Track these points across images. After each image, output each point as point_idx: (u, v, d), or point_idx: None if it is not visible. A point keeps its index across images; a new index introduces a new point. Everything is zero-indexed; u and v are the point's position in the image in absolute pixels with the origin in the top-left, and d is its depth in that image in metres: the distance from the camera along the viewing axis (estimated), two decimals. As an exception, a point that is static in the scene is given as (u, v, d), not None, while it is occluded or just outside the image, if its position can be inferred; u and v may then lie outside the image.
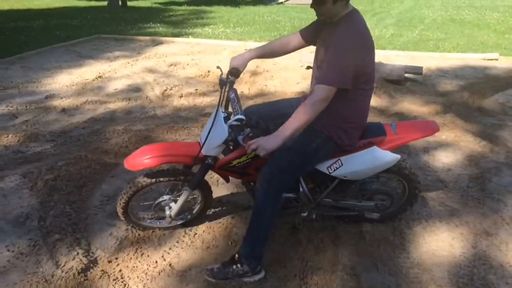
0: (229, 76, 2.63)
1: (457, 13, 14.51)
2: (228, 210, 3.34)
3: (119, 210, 2.87)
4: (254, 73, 6.74)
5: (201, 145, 2.58)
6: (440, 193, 3.57)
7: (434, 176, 3.83)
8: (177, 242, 3.00)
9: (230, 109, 2.68)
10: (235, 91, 2.69)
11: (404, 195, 3.01)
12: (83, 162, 3.98)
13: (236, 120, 2.47)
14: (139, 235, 3.07)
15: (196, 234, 3.08)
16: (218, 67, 2.78)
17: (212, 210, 3.30)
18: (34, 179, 3.67)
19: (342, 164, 2.59)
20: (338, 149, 2.54)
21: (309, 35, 2.64)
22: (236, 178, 2.83)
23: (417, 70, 6.55)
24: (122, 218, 2.95)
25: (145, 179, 2.75)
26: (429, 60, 7.89)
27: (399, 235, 3.05)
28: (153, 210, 2.95)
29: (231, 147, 2.66)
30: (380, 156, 2.58)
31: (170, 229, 3.11)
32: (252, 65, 6.97)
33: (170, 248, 2.94)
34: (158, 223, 3.10)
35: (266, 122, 2.55)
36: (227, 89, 2.62)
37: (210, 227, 3.15)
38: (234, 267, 2.63)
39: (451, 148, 4.36)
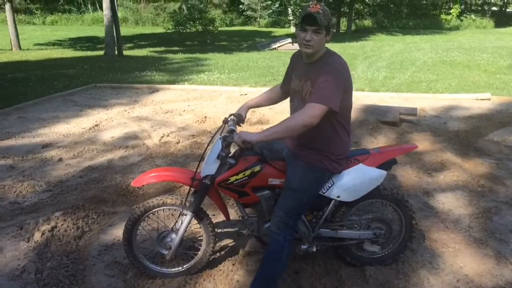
0: (231, 117, 2.94)
1: (447, 55, 14.88)
2: (229, 257, 3.28)
3: (124, 236, 2.92)
4: (253, 121, 6.80)
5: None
6: (442, 234, 3.53)
7: (435, 217, 3.81)
8: (177, 292, 2.93)
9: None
10: (233, 121, 2.93)
11: (402, 227, 3.03)
12: (80, 211, 3.93)
13: (228, 132, 2.73)
14: (137, 285, 2.99)
15: (196, 283, 3.02)
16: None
17: (213, 256, 3.24)
18: (31, 230, 3.61)
19: (333, 183, 2.77)
20: (332, 174, 2.76)
21: (287, 88, 2.92)
22: (234, 198, 2.88)
23: (412, 112, 6.64)
24: (126, 248, 2.95)
25: (151, 202, 2.87)
26: (422, 101, 8.02)
27: (403, 278, 2.99)
28: (156, 243, 2.97)
29: (227, 167, 2.78)
30: (367, 172, 2.78)
31: (171, 277, 3.04)
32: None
33: (170, 299, 2.86)
34: (158, 268, 3.06)
35: (261, 149, 2.83)
36: (229, 124, 2.89)
37: (210, 275, 3.08)
38: None
39: (450, 189, 4.36)
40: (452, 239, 3.47)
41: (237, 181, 2.76)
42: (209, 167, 2.76)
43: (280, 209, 2.67)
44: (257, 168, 2.76)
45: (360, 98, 8.23)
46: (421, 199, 4.17)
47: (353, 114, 6.44)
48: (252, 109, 3.52)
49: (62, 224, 3.71)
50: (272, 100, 3.12)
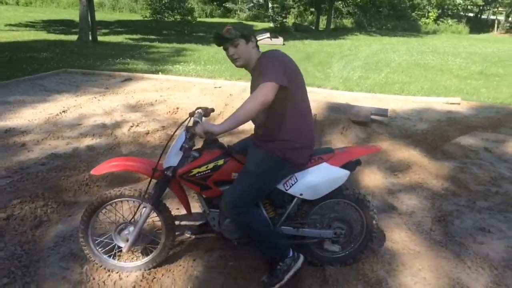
0: (198, 110, 2.98)
1: (421, 58, 15.09)
2: (190, 252, 3.22)
3: (80, 228, 2.85)
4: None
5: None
6: (403, 236, 3.56)
7: (398, 218, 3.83)
8: (134, 287, 2.86)
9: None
10: (199, 114, 2.95)
11: (363, 227, 3.03)
12: (39, 200, 3.81)
13: (193, 123, 2.74)
14: (93, 279, 2.92)
15: (154, 278, 2.96)
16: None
17: (173, 251, 3.18)
18: (-15, 218, 3.48)
19: (296, 180, 2.76)
20: (294, 168, 2.75)
21: None
22: (195, 190, 2.83)
23: (383, 112, 6.69)
24: (82, 240, 2.86)
25: (108, 194, 2.80)
26: (395, 103, 8.09)
27: (362, 279, 3.00)
28: (114, 236, 2.89)
29: (190, 159, 2.75)
30: (331, 171, 2.78)
31: (128, 271, 2.97)
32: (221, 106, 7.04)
33: (126, 294, 2.79)
34: (115, 261, 2.99)
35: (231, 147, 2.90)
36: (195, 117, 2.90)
37: (169, 270, 3.03)
38: (279, 267, 2.80)
39: (415, 191, 4.40)
40: (413, 241, 3.49)
41: (199, 174, 2.71)
42: (171, 158, 2.72)
43: (229, 194, 2.63)
44: (220, 162, 2.72)
45: (334, 97, 8.27)
46: (385, 199, 4.20)
47: (325, 112, 6.51)
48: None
49: (19, 213, 3.59)
50: None
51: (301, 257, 2.86)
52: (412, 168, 4.95)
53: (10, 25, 19.33)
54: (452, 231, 3.65)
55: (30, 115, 6.31)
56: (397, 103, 8.10)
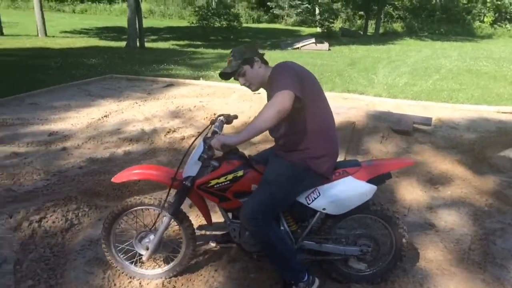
0: (220, 118, 2.98)
1: (474, 64, 14.44)
2: (212, 262, 3.17)
3: (102, 234, 2.87)
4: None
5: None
6: (439, 254, 3.35)
7: (434, 236, 3.62)
8: (154, 295, 2.85)
9: None
10: (221, 122, 2.92)
11: (392, 245, 2.86)
12: (72, 203, 3.90)
13: (211, 133, 2.66)
14: (115, 285, 2.93)
15: (174, 287, 2.92)
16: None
17: (195, 260, 3.15)
18: (19, 220, 3.58)
19: (319, 194, 2.65)
20: (317, 178, 2.63)
21: None
22: (214, 202, 2.76)
23: (426, 121, 6.41)
24: (104, 246, 2.88)
25: (129, 202, 2.80)
26: (441, 111, 7.74)
27: (390, 299, 2.84)
28: (135, 243, 2.89)
29: (210, 169, 2.68)
30: (356, 185, 2.64)
31: (149, 278, 2.96)
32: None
33: (144, 302, 2.78)
34: (137, 268, 2.99)
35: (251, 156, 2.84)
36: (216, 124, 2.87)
37: (190, 280, 3.00)
38: None
39: (456, 206, 4.15)
40: (449, 260, 3.28)
41: (218, 185, 2.64)
42: (190, 168, 2.68)
43: (248, 204, 2.55)
44: (240, 173, 2.64)
45: (376, 104, 8.03)
46: (423, 214, 3.99)
47: (365, 120, 6.32)
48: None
49: (51, 216, 3.68)
50: None
51: (317, 282, 2.75)
52: (454, 181, 4.69)
53: (65, 32, 20.25)
54: (493, 252, 3.39)
55: (73, 120, 6.52)
56: (443, 111, 7.75)
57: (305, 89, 2.44)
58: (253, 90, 2.68)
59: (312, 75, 2.62)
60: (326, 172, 2.64)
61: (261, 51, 2.70)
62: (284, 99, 2.30)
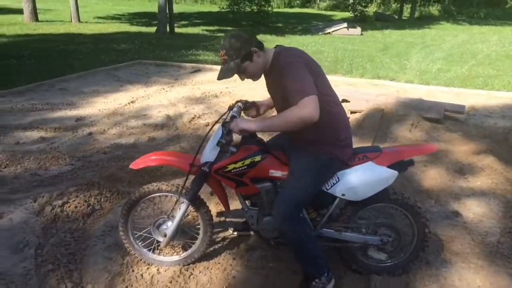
0: (238, 103, 2.87)
1: (513, 49, 13.84)
2: (230, 250, 3.14)
3: (120, 222, 2.87)
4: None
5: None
6: (466, 247, 3.21)
7: (461, 227, 3.48)
8: (170, 282, 2.84)
9: None
10: (239, 108, 2.82)
11: (413, 235, 2.77)
12: (94, 189, 3.93)
13: (230, 118, 2.58)
14: (132, 271, 2.94)
15: (191, 274, 2.92)
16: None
17: (213, 248, 3.13)
18: (43, 204, 3.64)
19: (338, 180, 2.58)
20: (340, 165, 2.58)
21: None
22: (231, 187, 2.71)
23: (458, 109, 6.17)
24: (122, 233, 2.89)
25: (146, 188, 2.80)
26: (475, 98, 7.45)
27: (411, 293, 2.74)
28: (152, 230, 2.88)
29: (228, 155, 2.63)
30: (376, 171, 2.56)
31: (167, 265, 2.96)
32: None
33: (161, 289, 2.77)
34: (155, 255, 2.99)
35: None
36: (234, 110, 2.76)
37: (207, 268, 2.97)
38: (314, 283, 2.63)
39: (486, 197, 3.98)
40: (476, 254, 3.14)
41: (235, 170, 2.59)
42: (208, 153, 2.64)
43: (281, 201, 2.50)
44: (257, 158, 2.58)
45: (407, 91, 7.80)
46: (450, 205, 3.84)
47: (394, 107, 6.13)
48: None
49: (73, 200, 3.72)
50: None
51: (333, 281, 2.68)
52: (485, 171, 4.49)
53: (99, 17, 20.52)
54: (524, 246, 3.24)
55: (101, 105, 6.59)
56: (477, 98, 7.45)
57: (316, 77, 2.35)
58: (255, 80, 2.57)
59: (315, 61, 2.50)
60: (350, 159, 2.59)
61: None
62: (309, 106, 2.19)
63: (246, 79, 2.57)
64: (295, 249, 2.62)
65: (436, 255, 3.11)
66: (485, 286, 2.82)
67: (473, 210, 3.76)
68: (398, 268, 2.87)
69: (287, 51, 2.45)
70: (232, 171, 2.61)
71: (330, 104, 2.48)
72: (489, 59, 11.84)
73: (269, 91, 2.67)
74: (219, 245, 3.22)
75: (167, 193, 2.82)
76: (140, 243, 2.97)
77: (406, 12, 28.99)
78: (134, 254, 2.98)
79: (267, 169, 2.61)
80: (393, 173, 2.56)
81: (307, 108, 2.19)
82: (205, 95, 7.21)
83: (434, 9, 31.65)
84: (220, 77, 2.46)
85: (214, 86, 7.85)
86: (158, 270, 2.95)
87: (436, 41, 15.80)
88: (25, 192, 3.89)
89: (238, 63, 2.40)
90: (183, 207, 2.76)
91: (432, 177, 4.35)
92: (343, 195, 2.59)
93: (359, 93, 6.96)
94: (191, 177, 2.77)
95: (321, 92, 2.36)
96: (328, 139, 2.52)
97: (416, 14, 28.20)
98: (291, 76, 2.29)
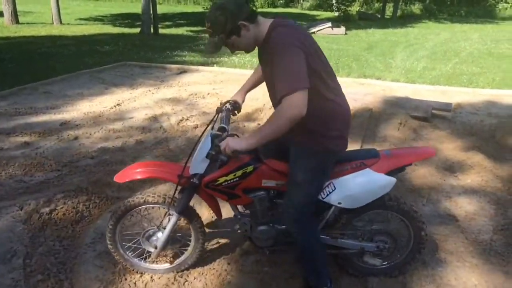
0: (226, 105, 2.74)
1: (495, 47, 14.03)
2: (224, 255, 3.10)
3: (107, 235, 2.76)
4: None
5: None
6: (459, 246, 3.22)
7: (454, 226, 3.49)
8: (164, 290, 2.78)
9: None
10: (227, 111, 2.70)
11: (409, 238, 2.75)
12: (83, 195, 3.85)
13: (218, 129, 2.47)
14: (125, 279, 2.87)
15: (186, 281, 2.86)
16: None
17: (207, 254, 3.07)
18: (29, 212, 3.55)
19: (334, 188, 2.50)
20: (337, 155, 2.47)
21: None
22: (223, 199, 2.63)
23: (445, 107, 6.21)
24: (111, 246, 2.79)
25: (132, 201, 2.69)
26: (460, 96, 7.50)
27: (408, 294, 2.73)
28: (142, 242, 2.79)
29: (218, 167, 2.52)
30: (374, 179, 2.49)
31: (160, 273, 2.90)
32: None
33: (155, 297, 2.72)
34: (147, 264, 2.91)
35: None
36: (222, 115, 2.67)
37: (202, 274, 2.92)
38: None
39: (477, 194, 4.00)
40: (470, 252, 3.15)
41: (226, 183, 2.50)
42: (198, 165, 2.49)
43: (289, 206, 2.44)
44: (249, 169, 2.48)
45: (393, 89, 7.83)
46: (442, 204, 3.85)
47: (382, 106, 6.14)
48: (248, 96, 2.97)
49: (61, 207, 3.63)
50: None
51: None
52: (474, 169, 4.52)
53: (80, 19, 20.25)
54: (517, 243, 3.26)
55: (86, 108, 6.47)
56: (463, 96, 7.51)
57: (313, 63, 2.18)
58: (248, 53, 2.38)
59: (313, 39, 2.30)
60: (343, 146, 2.47)
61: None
62: (296, 103, 2.04)
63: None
64: (301, 254, 2.57)
65: (431, 255, 3.11)
66: (481, 284, 2.83)
67: (464, 208, 3.78)
68: (394, 269, 2.86)
69: (283, 27, 2.20)
70: (223, 183, 2.52)
71: (325, 92, 2.30)
72: (472, 56, 11.98)
73: (260, 62, 2.48)
74: (213, 250, 3.16)
75: (154, 205, 2.74)
76: (130, 254, 2.89)
77: (388, 11, 29.22)
78: (126, 265, 2.91)
79: (260, 179, 2.52)
80: (391, 180, 2.49)
81: (295, 108, 2.04)
82: (192, 97, 7.13)
83: (416, 8, 31.97)
84: (206, 51, 2.30)
85: (201, 87, 7.78)
86: (151, 277, 2.89)
87: (419, 40, 15.94)
88: (11, 199, 3.78)
89: (222, 39, 2.20)
90: (172, 219, 2.67)
91: (422, 175, 4.36)
92: (339, 203, 2.52)
93: (347, 92, 6.86)
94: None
95: (314, 79, 2.18)
96: (321, 132, 2.34)
97: (399, 13, 28.44)
98: (282, 63, 2.09)
